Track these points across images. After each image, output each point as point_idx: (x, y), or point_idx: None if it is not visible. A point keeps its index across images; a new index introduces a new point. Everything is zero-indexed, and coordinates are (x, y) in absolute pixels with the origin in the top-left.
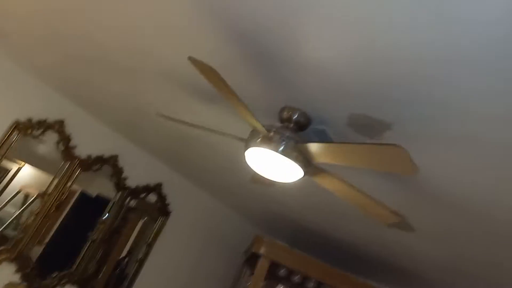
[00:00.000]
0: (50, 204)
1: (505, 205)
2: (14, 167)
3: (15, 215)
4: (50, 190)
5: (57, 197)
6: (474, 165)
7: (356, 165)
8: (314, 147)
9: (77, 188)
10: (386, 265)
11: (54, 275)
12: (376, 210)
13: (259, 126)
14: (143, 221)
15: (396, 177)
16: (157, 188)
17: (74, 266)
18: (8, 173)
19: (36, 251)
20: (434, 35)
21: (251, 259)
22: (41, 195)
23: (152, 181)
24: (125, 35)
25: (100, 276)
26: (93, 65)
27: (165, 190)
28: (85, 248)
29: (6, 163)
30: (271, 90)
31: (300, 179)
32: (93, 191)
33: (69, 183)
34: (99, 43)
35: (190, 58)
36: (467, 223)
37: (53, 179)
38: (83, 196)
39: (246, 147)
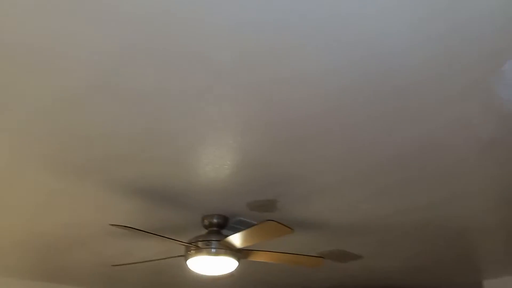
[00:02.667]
0: None
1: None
2: None
3: None
4: None
5: None
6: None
7: (259, 241)
8: (232, 239)
9: None
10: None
11: None
12: (302, 260)
13: (184, 245)
14: None
15: (309, 231)
16: None
17: None
18: None
19: None
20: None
21: None
22: None
23: None
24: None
25: None
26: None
27: None
28: None
29: None
30: (187, 212)
31: (237, 264)
32: None
33: None
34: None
35: (111, 224)
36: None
37: None
38: None
39: (186, 260)
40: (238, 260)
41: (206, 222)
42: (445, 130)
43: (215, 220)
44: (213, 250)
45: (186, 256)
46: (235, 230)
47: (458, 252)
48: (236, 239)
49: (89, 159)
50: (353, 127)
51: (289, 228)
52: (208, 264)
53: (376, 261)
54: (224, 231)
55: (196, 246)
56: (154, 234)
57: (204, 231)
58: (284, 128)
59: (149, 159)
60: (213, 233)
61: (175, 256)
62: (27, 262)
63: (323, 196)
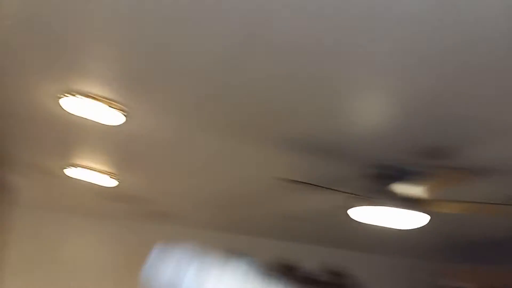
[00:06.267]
0: None
1: None
2: None
3: None
4: None
5: None
6: None
7: (437, 190)
8: (410, 190)
9: None
10: None
11: None
12: (499, 210)
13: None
14: None
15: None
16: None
17: None
18: None
19: None
20: None
21: None
22: None
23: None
24: None
25: None
26: None
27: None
28: None
29: None
30: (351, 163)
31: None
32: None
33: None
34: None
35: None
36: None
37: None
38: None
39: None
40: (424, 212)
41: (376, 173)
42: None
43: (386, 171)
44: (393, 202)
45: (356, 206)
46: (408, 180)
47: None
48: (414, 189)
49: (245, 118)
50: None
51: (467, 175)
52: (389, 216)
53: None
54: (396, 182)
55: (368, 197)
56: (320, 186)
57: (376, 182)
58: (454, 59)
59: (307, 113)
60: (386, 184)
61: (342, 207)
62: (214, 216)
63: (504, 137)
